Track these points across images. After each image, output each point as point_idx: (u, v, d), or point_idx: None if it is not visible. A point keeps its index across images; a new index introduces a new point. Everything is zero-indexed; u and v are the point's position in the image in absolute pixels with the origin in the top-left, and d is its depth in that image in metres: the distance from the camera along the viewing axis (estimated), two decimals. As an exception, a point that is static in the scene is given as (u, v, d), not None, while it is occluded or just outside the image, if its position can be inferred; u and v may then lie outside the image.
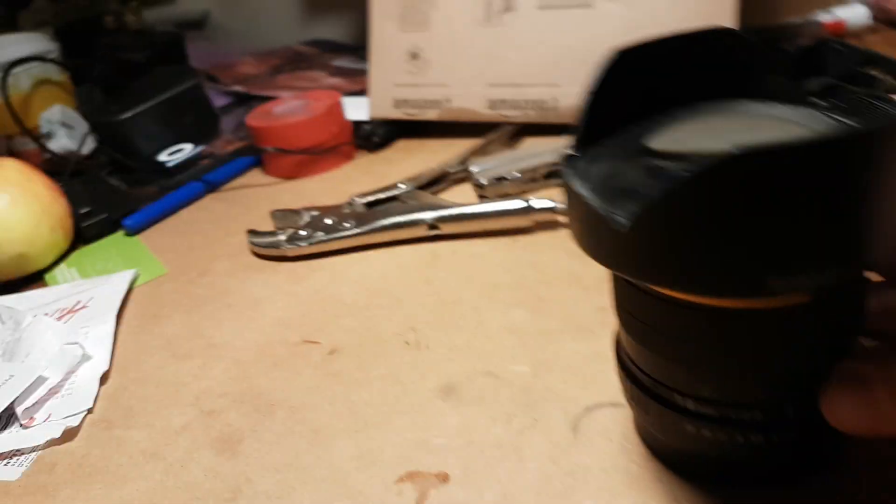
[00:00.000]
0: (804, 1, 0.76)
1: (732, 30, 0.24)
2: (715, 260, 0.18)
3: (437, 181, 0.55)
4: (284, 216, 0.53)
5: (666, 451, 0.28)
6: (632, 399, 0.26)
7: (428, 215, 0.48)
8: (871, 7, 0.66)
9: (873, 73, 0.54)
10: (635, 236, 0.19)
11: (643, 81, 0.24)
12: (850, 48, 0.57)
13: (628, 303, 0.24)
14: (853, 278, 0.21)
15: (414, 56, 0.63)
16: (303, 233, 0.49)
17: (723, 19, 0.52)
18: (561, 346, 0.36)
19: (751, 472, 0.25)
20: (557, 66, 0.57)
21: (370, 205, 0.53)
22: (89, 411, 0.39)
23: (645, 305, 0.23)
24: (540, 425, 0.32)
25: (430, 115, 0.63)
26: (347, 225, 0.49)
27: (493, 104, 0.60)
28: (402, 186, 0.54)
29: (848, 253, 0.18)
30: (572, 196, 0.21)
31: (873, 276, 0.23)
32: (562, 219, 0.47)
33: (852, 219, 0.17)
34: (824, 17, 0.66)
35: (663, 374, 0.24)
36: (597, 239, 0.21)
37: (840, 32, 0.65)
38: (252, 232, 0.51)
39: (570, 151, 0.23)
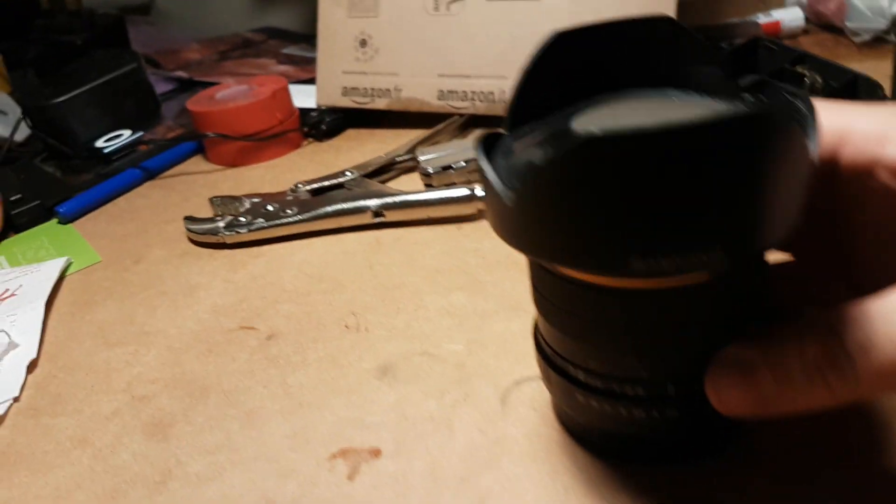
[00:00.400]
0: (743, 3, 0.78)
1: (671, 19, 0.24)
2: (582, 237, 0.19)
3: (384, 169, 0.55)
4: (224, 203, 0.52)
5: (570, 423, 0.29)
6: (540, 370, 0.27)
7: (373, 202, 0.48)
8: (806, 10, 0.69)
9: (802, 71, 0.56)
10: (517, 210, 0.20)
11: (580, 65, 0.24)
12: (782, 47, 0.58)
13: (532, 276, 0.25)
14: (746, 262, 0.21)
15: (363, 43, 0.62)
16: (242, 219, 0.48)
17: (667, 8, 0.52)
18: (495, 326, 0.37)
19: (645, 449, 0.26)
20: (505, 59, 0.57)
21: (315, 192, 0.52)
22: (15, 399, 0.37)
23: (541, 278, 0.24)
24: (471, 399, 0.32)
25: (380, 104, 0.62)
26: (290, 212, 0.48)
27: (443, 95, 0.60)
28: (349, 174, 0.53)
29: (715, 237, 0.18)
30: (480, 173, 0.21)
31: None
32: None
33: (716, 204, 0.18)
34: (762, 18, 0.68)
35: (560, 346, 0.25)
36: (494, 213, 0.21)
37: (776, 33, 0.68)
38: (189, 218, 0.50)
39: (498, 130, 0.23)
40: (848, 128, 0.21)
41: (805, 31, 0.69)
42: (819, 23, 0.69)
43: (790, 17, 0.68)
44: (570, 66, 0.24)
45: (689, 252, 0.18)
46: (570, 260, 0.20)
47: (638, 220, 0.18)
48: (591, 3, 0.55)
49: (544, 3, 0.56)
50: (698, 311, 0.21)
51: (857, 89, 0.47)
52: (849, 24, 0.64)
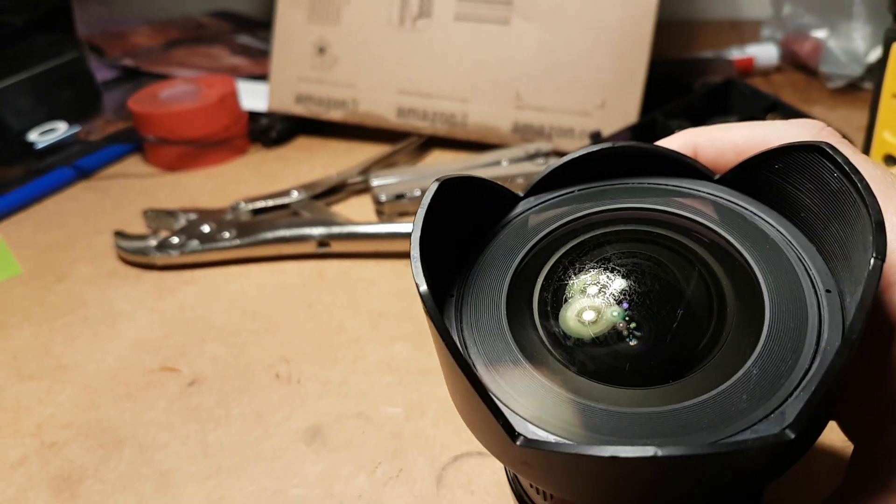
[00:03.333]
0: (717, 36, 0.77)
1: (644, 147, 0.22)
2: None
3: (334, 190, 0.52)
4: (158, 217, 0.48)
5: None
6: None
7: (317, 231, 0.45)
8: (782, 48, 0.68)
9: (774, 119, 0.55)
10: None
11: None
12: (756, 92, 0.57)
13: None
14: None
15: (321, 50, 0.59)
16: (175, 239, 0.45)
17: (637, 50, 0.51)
18: (437, 388, 0.34)
19: None
20: (469, 81, 0.55)
21: (257, 211, 0.49)
22: None
23: None
24: (405, 475, 0.30)
25: (335, 115, 0.59)
26: (227, 235, 0.45)
27: (402, 112, 0.57)
28: (296, 194, 0.50)
29: None
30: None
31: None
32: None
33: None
34: (736, 54, 0.66)
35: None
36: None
37: (749, 69, 0.66)
38: (119, 234, 0.46)
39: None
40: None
41: (778, 69, 0.68)
42: (793, 62, 0.68)
43: (764, 53, 0.67)
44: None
45: None
46: None
47: None
48: (559, 32, 0.52)
49: (513, 27, 0.53)
50: None
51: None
52: (823, 69, 0.63)
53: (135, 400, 0.35)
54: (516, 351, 0.18)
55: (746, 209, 0.20)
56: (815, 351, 0.16)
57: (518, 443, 0.15)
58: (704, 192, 0.21)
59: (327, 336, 0.39)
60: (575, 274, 0.19)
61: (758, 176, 0.20)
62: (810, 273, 0.18)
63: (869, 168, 0.18)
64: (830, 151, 0.17)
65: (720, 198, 0.21)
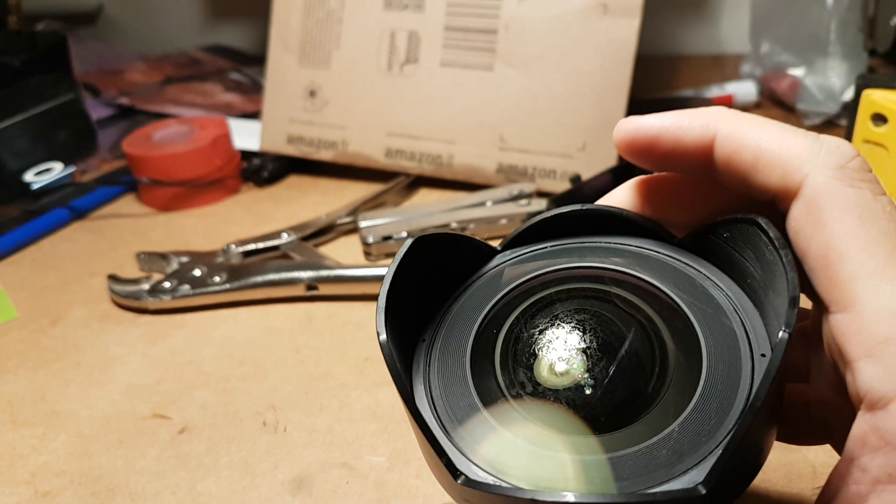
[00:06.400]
0: (699, 72, 0.78)
1: (612, 211, 0.23)
2: None
3: (324, 231, 0.54)
4: (151, 260, 0.50)
5: None
6: None
7: (306, 275, 0.46)
8: (760, 84, 0.70)
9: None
10: None
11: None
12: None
13: None
14: None
15: (312, 93, 0.60)
16: (167, 284, 0.46)
17: (616, 95, 0.52)
18: (421, 437, 0.35)
19: None
20: (455, 124, 0.56)
21: (248, 253, 0.50)
22: None
23: None
24: (388, 528, 0.31)
25: (326, 155, 0.61)
26: (217, 279, 0.46)
27: (390, 153, 0.59)
28: (286, 236, 0.51)
29: None
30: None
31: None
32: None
33: None
34: (715, 91, 0.68)
35: None
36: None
37: (729, 106, 0.68)
38: (113, 278, 0.48)
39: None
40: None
41: (758, 105, 0.70)
42: (772, 98, 0.70)
43: (743, 90, 0.68)
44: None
45: None
46: None
47: None
48: (541, 78, 0.54)
49: (496, 73, 0.55)
50: None
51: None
52: (800, 106, 0.64)
53: (126, 447, 0.36)
54: (474, 395, 0.20)
55: (700, 272, 0.22)
56: (742, 412, 0.18)
57: (459, 481, 0.17)
58: (663, 255, 0.22)
59: (314, 382, 0.40)
60: (531, 329, 0.21)
61: (711, 242, 0.22)
62: (750, 337, 0.19)
63: (883, 221, 0.17)
64: (764, 225, 0.19)
65: (677, 260, 0.22)
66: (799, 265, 0.18)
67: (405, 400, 0.18)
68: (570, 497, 0.15)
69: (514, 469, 0.18)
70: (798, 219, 0.18)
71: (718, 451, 0.17)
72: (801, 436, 0.23)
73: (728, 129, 0.20)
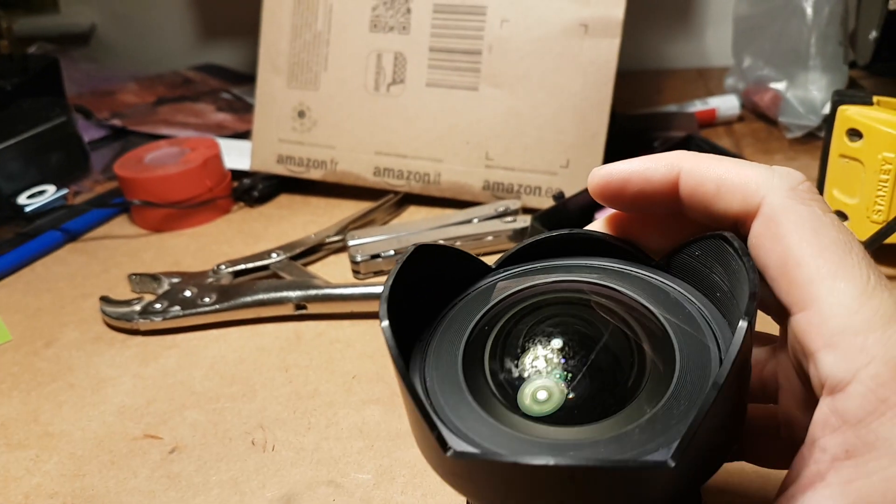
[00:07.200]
0: (684, 86, 0.80)
1: (596, 235, 0.25)
2: None
3: (313, 250, 0.54)
4: (142, 281, 0.50)
5: None
6: None
7: (295, 294, 0.47)
8: (743, 98, 0.71)
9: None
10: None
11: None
12: (714, 147, 0.60)
13: None
14: None
15: (301, 114, 0.61)
16: (158, 305, 0.47)
17: (598, 113, 0.53)
18: (407, 452, 0.36)
19: None
20: (441, 142, 0.57)
21: (238, 273, 0.51)
22: None
23: None
24: (375, 547, 0.31)
25: (315, 174, 0.62)
26: (207, 300, 0.47)
27: (379, 172, 0.60)
28: (275, 256, 0.52)
29: None
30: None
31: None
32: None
33: None
34: (699, 105, 0.69)
35: None
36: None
37: (712, 120, 0.69)
38: (105, 300, 0.48)
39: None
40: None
41: (741, 118, 0.71)
42: (755, 111, 0.71)
43: (726, 105, 0.70)
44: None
45: None
46: None
47: None
48: (524, 97, 0.55)
49: (481, 93, 0.56)
50: None
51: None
52: (782, 119, 0.66)
53: (118, 468, 0.37)
54: (465, 388, 0.21)
55: (673, 287, 0.24)
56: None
57: (448, 454, 0.18)
58: (641, 273, 0.25)
59: (302, 401, 0.40)
60: (520, 327, 0.23)
61: (684, 260, 0.24)
62: (718, 341, 0.21)
63: (833, 232, 0.20)
64: (730, 237, 0.21)
65: (653, 278, 0.24)
66: (761, 276, 0.20)
67: (401, 375, 0.19)
68: (551, 461, 0.16)
69: (499, 448, 0.20)
70: (758, 235, 0.21)
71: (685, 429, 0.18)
72: (771, 458, 0.25)
73: (690, 165, 0.22)
